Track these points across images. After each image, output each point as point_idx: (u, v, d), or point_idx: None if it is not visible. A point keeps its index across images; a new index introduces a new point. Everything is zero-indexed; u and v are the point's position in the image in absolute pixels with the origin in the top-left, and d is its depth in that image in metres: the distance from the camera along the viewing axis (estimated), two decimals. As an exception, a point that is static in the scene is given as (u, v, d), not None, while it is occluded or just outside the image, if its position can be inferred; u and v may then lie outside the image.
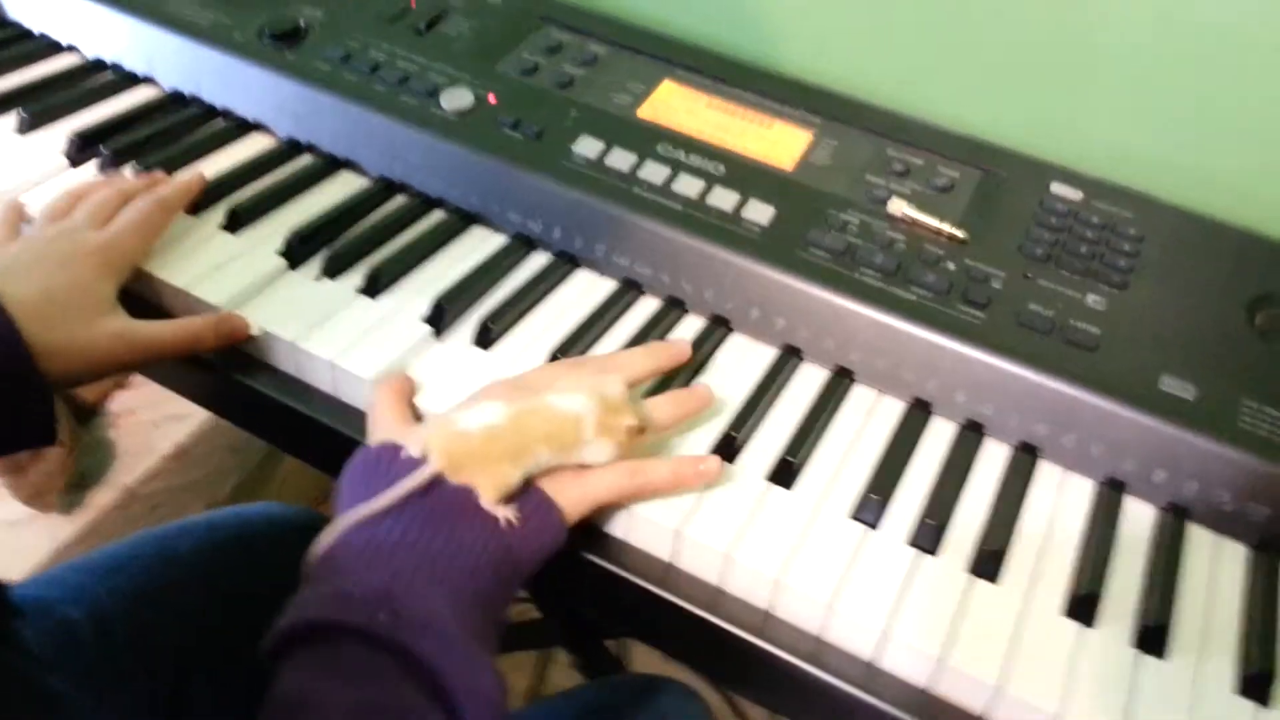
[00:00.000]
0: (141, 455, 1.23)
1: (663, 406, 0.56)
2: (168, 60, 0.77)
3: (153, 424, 1.26)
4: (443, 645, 0.42)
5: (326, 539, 0.47)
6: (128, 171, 0.70)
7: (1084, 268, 0.64)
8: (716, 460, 0.54)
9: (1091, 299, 0.63)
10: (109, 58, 0.80)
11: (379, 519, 0.46)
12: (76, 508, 1.16)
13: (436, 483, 0.47)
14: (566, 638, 1.26)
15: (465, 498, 0.47)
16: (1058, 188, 0.69)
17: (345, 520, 0.47)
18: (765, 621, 0.52)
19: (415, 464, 0.48)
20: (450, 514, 0.46)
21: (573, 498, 0.51)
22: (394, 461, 0.48)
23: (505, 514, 0.47)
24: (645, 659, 1.30)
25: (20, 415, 0.55)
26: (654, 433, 0.54)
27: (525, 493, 0.49)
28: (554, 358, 0.60)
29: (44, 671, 0.60)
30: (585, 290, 0.67)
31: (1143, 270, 0.65)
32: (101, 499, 1.17)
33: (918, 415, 0.61)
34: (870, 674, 0.50)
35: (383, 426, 0.54)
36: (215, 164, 0.72)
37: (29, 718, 0.55)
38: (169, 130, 0.74)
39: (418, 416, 0.56)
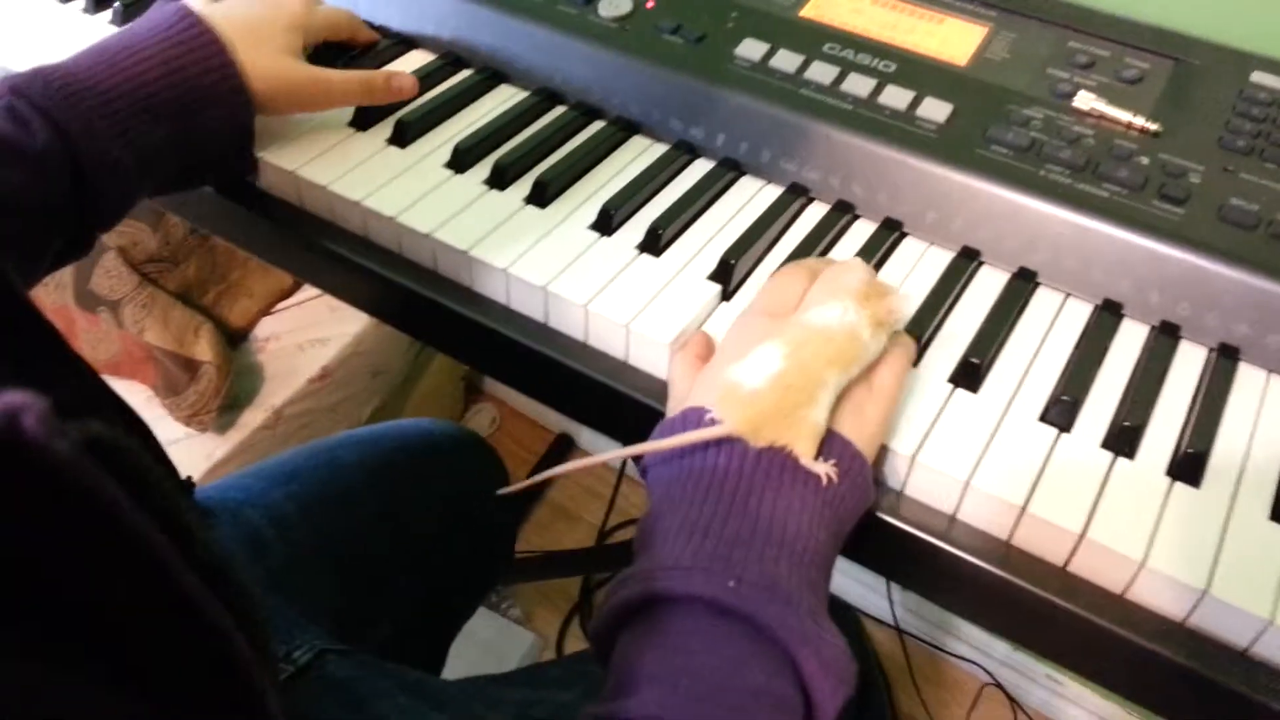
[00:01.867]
0: (288, 378, 1.27)
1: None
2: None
3: (298, 348, 1.31)
4: (787, 611, 0.40)
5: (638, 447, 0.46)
6: None
7: (1290, 160, 0.60)
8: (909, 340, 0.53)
9: (1300, 193, 0.58)
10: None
11: (703, 494, 0.44)
12: (230, 428, 1.21)
13: (746, 450, 0.44)
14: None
15: (784, 460, 0.44)
16: (1260, 76, 0.65)
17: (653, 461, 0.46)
18: (950, 526, 0.51)
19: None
20: (774, 478, 0.44)
21: (875, 424, 0.48)
22: (699, 425, 0.46)
23: (824, 469, 0.44)
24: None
25: (231, 130, 0.60)
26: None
27: (834, 442, 0.46)
28: (725, 263, 0.60)
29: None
30: (751, 196, 0.65)
31: (1357, 161, 0.60)
32: (252, 419, 1.22)
33: (1108, 317, 0.59)
34: (1065, 580, 0.49)
35: (677, 385, 0.52)
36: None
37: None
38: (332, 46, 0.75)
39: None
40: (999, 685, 1.37)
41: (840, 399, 0.47)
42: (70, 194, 0.52)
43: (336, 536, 0.73)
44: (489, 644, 1.39)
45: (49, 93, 0.52)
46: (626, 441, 0.50)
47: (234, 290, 1.32)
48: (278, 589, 0.66)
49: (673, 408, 0.51)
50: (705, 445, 0.45)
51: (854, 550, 0.55)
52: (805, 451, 0.44)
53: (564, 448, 1.64)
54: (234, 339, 1.30)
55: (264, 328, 1.33)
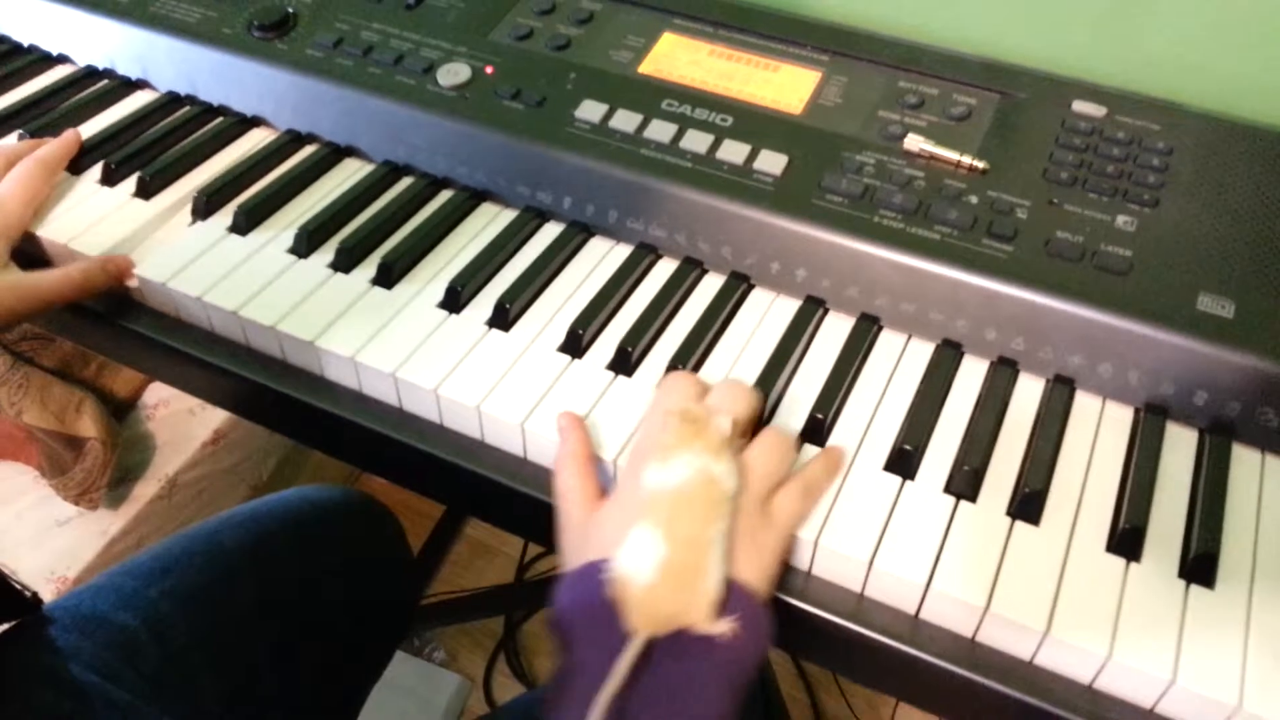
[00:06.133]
0: (180, 444, 1.24)
1: (815, 470, 0.53)
2: (159, 62, 0.76)
3: (189, 412, 1.28)
4: None
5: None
6: (13, 138, 0.72)
7: (1112, 188, 0.62)
8: (841, 450, 0.54)
9: (1121, 220, 0.61)
10: (101, 64, 0.80)
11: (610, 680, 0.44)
12: (123, 502, 1.18)
13: (652, 643, 0.45)
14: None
15: (686, 639, 0.45)
16: (1080, 105, 0.67)
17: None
18: (807, 583, 0.52)
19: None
20: (675, 656, 0.45)
21: (772, 555, 0.49)
22: (600, 589, 0.46)
23: (724, 628, 0.45)
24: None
25: None
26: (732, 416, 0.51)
27: (733, 592, 0.46)
28: (574, 331, 0.60)
29: (106, 682, 0.62)
30: (601, 258, 0.66)
31: (1173, 185, 0.62)
32: (145, 491, 1.19)
33: (949, 356, 0.60)
34: (915, 627, 0.50)
35: (571, 512, 0.52)
36: (220, 163, 0.71)
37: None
38: (169, 134, 0.73)
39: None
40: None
41: (731, 540, 0.47)
42: None
43: (218, 629, 0.72)
44: (413, 690, 1.38)
45: None
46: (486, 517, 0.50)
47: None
48: (155, 696, 0.65)
49: (568, 539, 0.51)
50: (611, 627, 0.45)
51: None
52: (705, 620, 0.45)
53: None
54: (121, 409, 1.26)
55: (152, 394, 1.30)
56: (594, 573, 0.47)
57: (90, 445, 1.16)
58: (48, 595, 0.70)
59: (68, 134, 0.71)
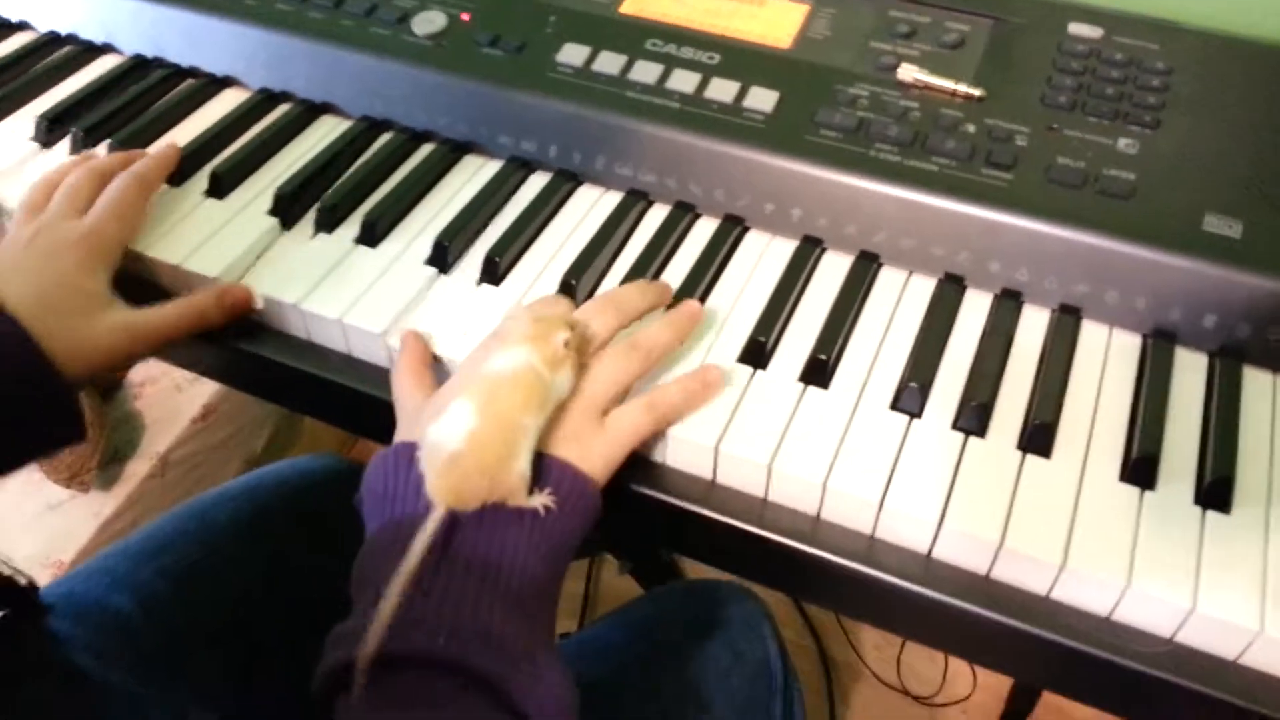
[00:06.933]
0: (170, 421, 1.23)
1: (657, 331, 0.53)
2: (124, 24, 0.74)
3: (176, 388, 1.26)
4: (504, 657, 0.41)
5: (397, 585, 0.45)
6: (101, 150, 0.67)
7: (1112, 110, 0.60)
8: (716, 367, 0.53)
9: (1123, 143, 0.59)
10: (64, 30, 0.77)
11: (415, 554, 0.44)
12: (115, 482, 1.17)
13: (455, 518, 0.45)
14: (613, 548, 1.27)
15: (494, 511, 0.45)
16: (1076, 28, 0.65)
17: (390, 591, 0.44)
18: (815, 527, 0.51)
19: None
20: (484, 530, 0.45)
21: (599, 456, 0.49)
22: (411, 467, 0.46)
23: (539, 503, 0.45)
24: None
25: (51, 422, 0.54)
26: (584, 332, 0.51)
27: (552, 469, 0.47)
28: (567, 282, 0.58)
29: (103, 667, 0.61)
30: (590, 207, 0.64)
31: (1174, 105, 0.61)
32: (138, 469, 1.18)
33: (951, 291, 0.59)
34: (928, 567, 0.49)
35: (405, 405, 0.52)
36: (192, 127, 0.69)
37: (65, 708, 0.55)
38: (138, 98, 0.71)
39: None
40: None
41: (555, 430, 0.48)
42: None
43: (216, 607, 0.70)
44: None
45: None
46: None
47: (101, 339, 1.26)
48: (153, 677, 0.64)
49: (402, 428, 0.51)
50: (417, 500, 0.45)
51: (716, 557, 0.55)
52: (516, 498, 0.45)
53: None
54: (108, 389, 1.24)
55: (138, 372, 1.28)
56: (403, 449, 0.47)
57: (79, 426, 1.14)
58: (44, 580, 0.69)
59: (166, 147, 0.65)
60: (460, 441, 0.45)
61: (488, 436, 0.45)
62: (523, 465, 0.45)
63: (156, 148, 0.66)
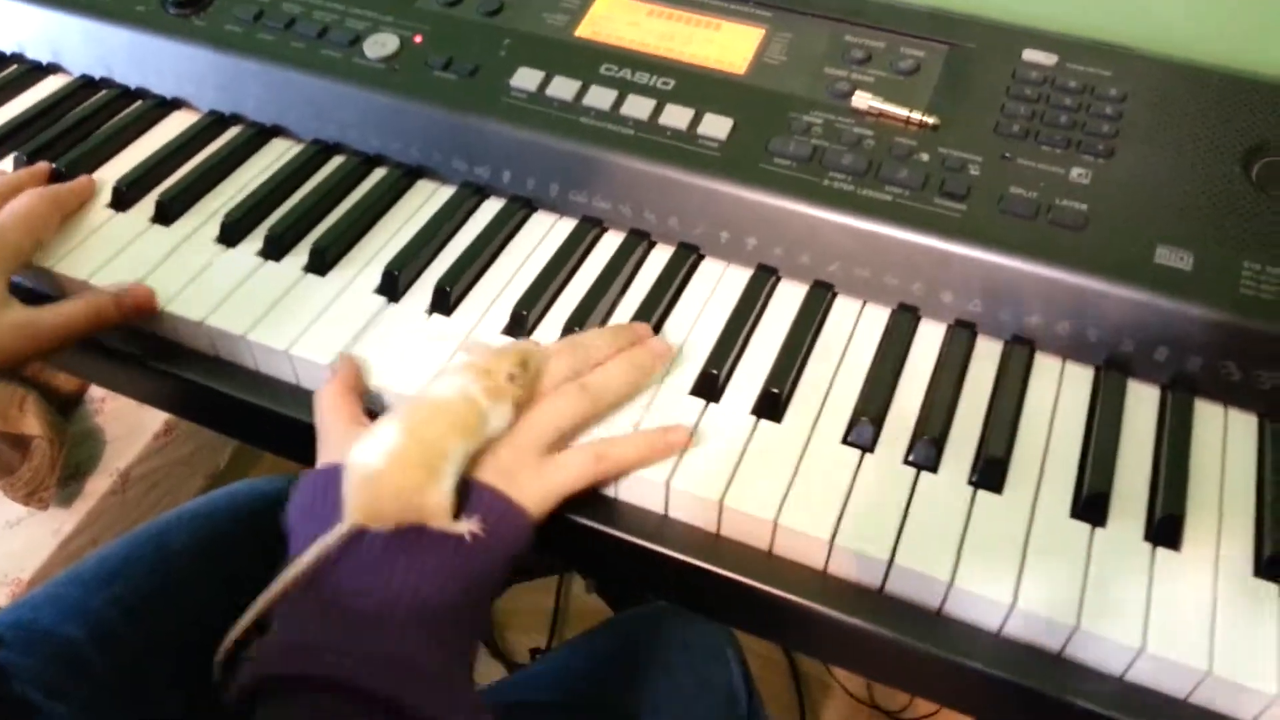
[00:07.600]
0: (131, 437, 1.21)
1: (613, 374, 0.53)
2: (72, 44, 0.72)
3: (138, 404, 1.24)
4: (413, 681, 0.41)
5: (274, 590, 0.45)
6: (8, 164, 0.67)
7: (1065, 139, 0.60)
8: (683, 428, 0.52)
9: (1076, 173, 0.59)
10: (9, 49, 0.75)
11: (330, 570, 0.44)
12: (75, 499, 1.15)
13: (371, 538, 0.45)
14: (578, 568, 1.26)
15: (412, 534, 0.45)
16: (1030, 54, 0.64)
17: (281, 579, 0.45)
18: (769, 562, 0.51)
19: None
20: (404, 548, 0.44)
21: (535, 492, 0.48)
22: (332, 488, 0.46)
23: (466, 528, 0.45)
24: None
25: None
26: (540, 364, 0.51)
27: (482, 497, 0.46)
28: (518, 313, 0.57)
29: (53, 700, 0.59)
30: (544, 235, 0.63)
31: (1128, 133, 0.60)
32: (99, 486, 1.16)
33: (905, 321, 0.58)
34: (878, 603, 0.49)
35: (330, 435, 0.51)
36: (140, 150, 0.68)
37: None
38: (85, 120, 0.69)
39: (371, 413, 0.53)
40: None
41: (487, 460, 0.48)
42: None
43: (173, 634, 0.69)
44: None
45: None
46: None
47: (59, 353, 1.24)
48: (104, 708, 0.62)
49: (322, 452, 0.51)
50: (327, 520, 0.45)
51: (672, 593, 0.55)
52: (437, 521, 0.45)
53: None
54: (67, 405, 1.22)
55: (98, 388, 1.26)
56: (330, 470, 0.47)
57: (36, 443, 1.12)
58: (2, 600, 0.67)
59: (83, 179, 0.65)
60: (380, 460, 0.44)
61: (408, 457, 0.45)
62: (445, 489, 0.45)
63: (80, 180, 0.65)
